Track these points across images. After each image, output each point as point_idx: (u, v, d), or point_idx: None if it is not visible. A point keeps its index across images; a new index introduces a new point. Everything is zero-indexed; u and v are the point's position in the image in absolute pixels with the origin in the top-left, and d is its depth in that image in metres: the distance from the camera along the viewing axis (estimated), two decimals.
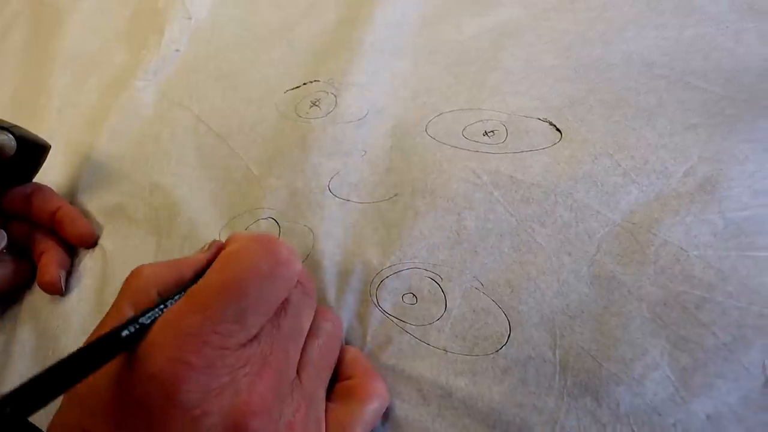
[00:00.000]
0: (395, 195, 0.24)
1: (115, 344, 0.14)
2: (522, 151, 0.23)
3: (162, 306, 0.16)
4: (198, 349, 0.14)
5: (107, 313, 0.17)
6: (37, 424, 0.21)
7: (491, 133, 0.24)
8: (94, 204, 0.29)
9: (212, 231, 0.26)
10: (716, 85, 0.23)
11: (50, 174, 0.31)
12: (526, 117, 0.24)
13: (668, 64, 0.24)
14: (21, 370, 0.25)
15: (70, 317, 0.26)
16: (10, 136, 0.25)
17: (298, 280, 0.18)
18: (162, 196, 0.28)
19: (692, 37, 0.25)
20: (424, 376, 0.20)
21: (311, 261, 0.23)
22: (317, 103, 0.28)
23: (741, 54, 0.24)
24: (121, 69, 0.36)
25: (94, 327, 0.25)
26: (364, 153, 0.26)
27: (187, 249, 0.25)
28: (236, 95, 0.31)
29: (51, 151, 0.29)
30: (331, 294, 0.22)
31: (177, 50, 0.35)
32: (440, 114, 0.26)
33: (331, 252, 0.23)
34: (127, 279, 0.18)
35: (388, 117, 0.27)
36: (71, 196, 0.30)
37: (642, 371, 0.18)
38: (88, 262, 0.27)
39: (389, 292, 0.21)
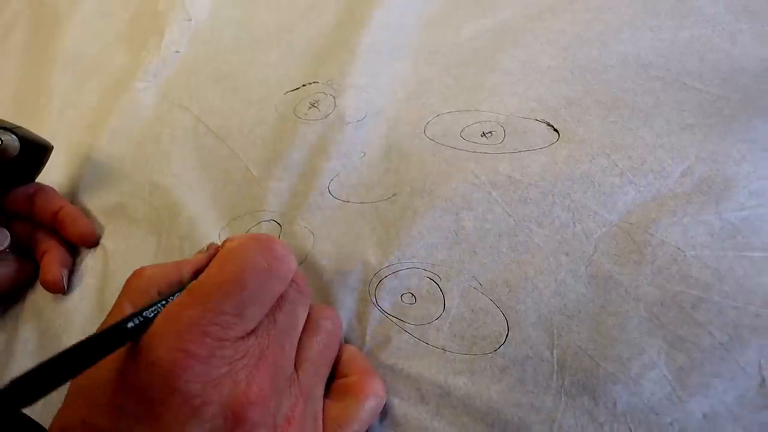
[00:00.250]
0: (394, 195, 0.24)
1: (120, 335, 0.15)
2: (520, 152, 0.24)
3: (164, 301, 0.16)
4: (198, 339, 0.15)
5: (109, 312, 0.17)
6: (41, 422, 0.21)
7: (489, 134, 0.25)
8: (95, 204, 0.30)
9: (212, 231, 0.26)
10: (712, 86, 0.23)
11: (52, 174, 0.31)
12: (524, 118, 0.25)
13: (664, 65, 0.24)
14: (23, 368, 0.25)
15: (72, 316, 0.26)
16: (14, 137, 0.26)
17: (292, 279, 0.18)
18: (162, 197, 0.28)
19: (688, 39, 0.25)
20: (422, 375, 0.20)
21: (311, 261, 0.23)
22: (316, 105, 0.28)
23: (736, 55, 0.24)
24: (122, 70, 0.36)
25: (95, 326, 0.25)
26: (363, 154, 0.26)
27: (186, 249, 0.26)
28: (236, 96, 0.31)
29: (53, 152, 0.29)
30: (330, 294, 0.22)
31: (177, 51, 0.35)
32: (438, 115, 0.26)
33: (330, 252, 0.23)
34: (129, 280, 0.18)
35: (387, 118, 0.27)
36: (72, 196, 0.31)
37: (639, 370, 0.18)
38: (90, 262, 0.28)
39: (388, 292, 0.22)
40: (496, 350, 0.19)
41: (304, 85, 0.30)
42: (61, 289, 0.26)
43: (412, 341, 0.20)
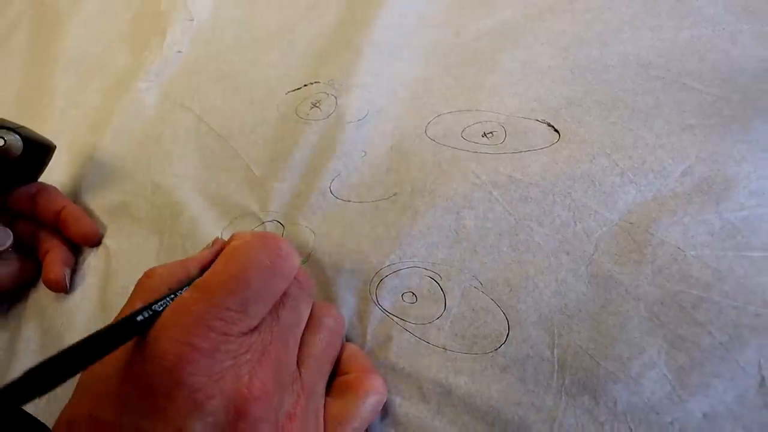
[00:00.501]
0: (394, 194, 0.24)
1: (129, 328, 0.15)
2: (520, 152, 0.24)
3: (173, 295, 0.17)
4: (203, 333, 0.15)
5: (119, 312, 0.18)
6: (49, 417, 0.21)
7: (490, 134, 0.25)
8: (98, 203, 0.30)
9: (214, 230, 0.26)
10: (712, 87, 0.23)
11: (55, 174, 0.31)
12: (525, 118, 0.25)
13: (664, 66, 0.25)
14: (26, 367, 0.25)
15: (74, 315, 0.26)
16: (17, 136, 0.26)
17: (295, 276, 0.18)
18: (164, 196, 0.28)
19: (688, 39, 0.25)
20: (423, 374, 0.20)
21: (313, 261, 0.23)
22: (318, 105, 0.29)
23: (736, 55, 0.24)
24: (124, 71, 0.36)
25: (97, 325, 0.26)
26: (364, 154, 0.26)
27: (188, 248, 0.26)
28: (237, 96, 0.31)
29: (55, 151, 0.29)
30: (331, 293, 0.22)
31: (179, 52, 0.35)
32: (439, 115, 0.26)
33: (331, 251, 0.23)
34: (141, 280, 0.18)
35: (388, 118, 0.27)
36: (75, 195, 0.31)
37: (639, 370, 0.18)
38: (92, 261, 0.28)
39: (389, 291, 0.22)
40: (496, 349, 0.20)
41: (305, 85, 0.30)
42: (63, 288, 0.26)
43: (413, 340, 0.21)
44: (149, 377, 0.15)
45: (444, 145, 0.25)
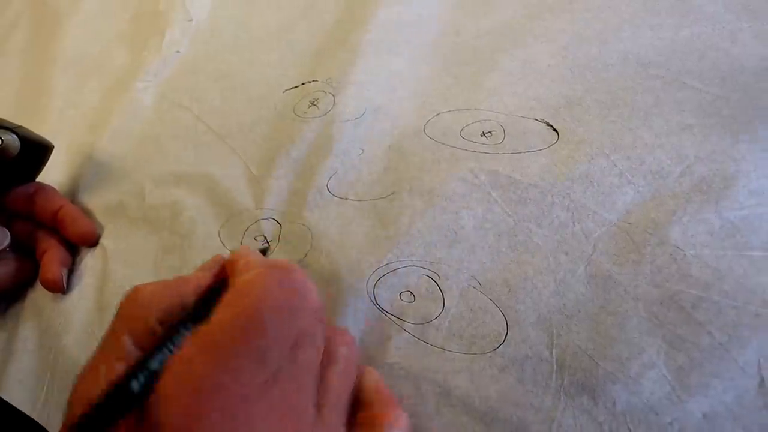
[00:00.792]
0: (392, 193, 0.24)
1: (126, 400, 0.13)
2: (519, 152, 0.23)
3: (170, 345, 0.15)
4: (214, 399, 0.13)
5: (103, 339, 0.16)
6: (47, 419, 0.21)
7: (489, 134, 0.25)
8: (96, 203, 0.30)
9: (212, 229, 0.26)
10: (712, 86, 0.23)
11: (52, 173, 0.31)
12: (524, 117, 0.25)
13: (664, 64, 0.24)
14: (23, 367, 0.25)
15: (72, 315, 0.26)
16: (15, 136, 0.26)
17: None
18: (162, 196, 0.28)
19: (688, 37, 0.25)
20: (422, 375, 0.20)
21: (309, 259, 0.23)
22: (315, 103, 0.28)
23: (736, 54, 0.24)
24: (122, 70, 0.36)
25: (94, 325, 0.26)
26: (361, 152, 0.26)
27: (187, 247, 0.26)
28: (235, 96, 0.31)
29: (53, 151, 0.29)
30: (329, 292, 0.22)
31: (177, 51, 0.35)
32: (438, 114, 0.26)
33: (328, 250, 0.23)
34: (123, 303, 0.16)
35: (386, 116, 0.27)
36: (73, 195, 0.31)
37: (638, 370, 0.18)
38: (90, 261, 0.28)
39: (387, 290, 0.22)
40: (495, 350, 0.19)
41: (303, 84, 0.30)
42: (60, 289, 0.26)
43: (412, 340, 0.20)
44: None
45: (443, 144, 0.25)
